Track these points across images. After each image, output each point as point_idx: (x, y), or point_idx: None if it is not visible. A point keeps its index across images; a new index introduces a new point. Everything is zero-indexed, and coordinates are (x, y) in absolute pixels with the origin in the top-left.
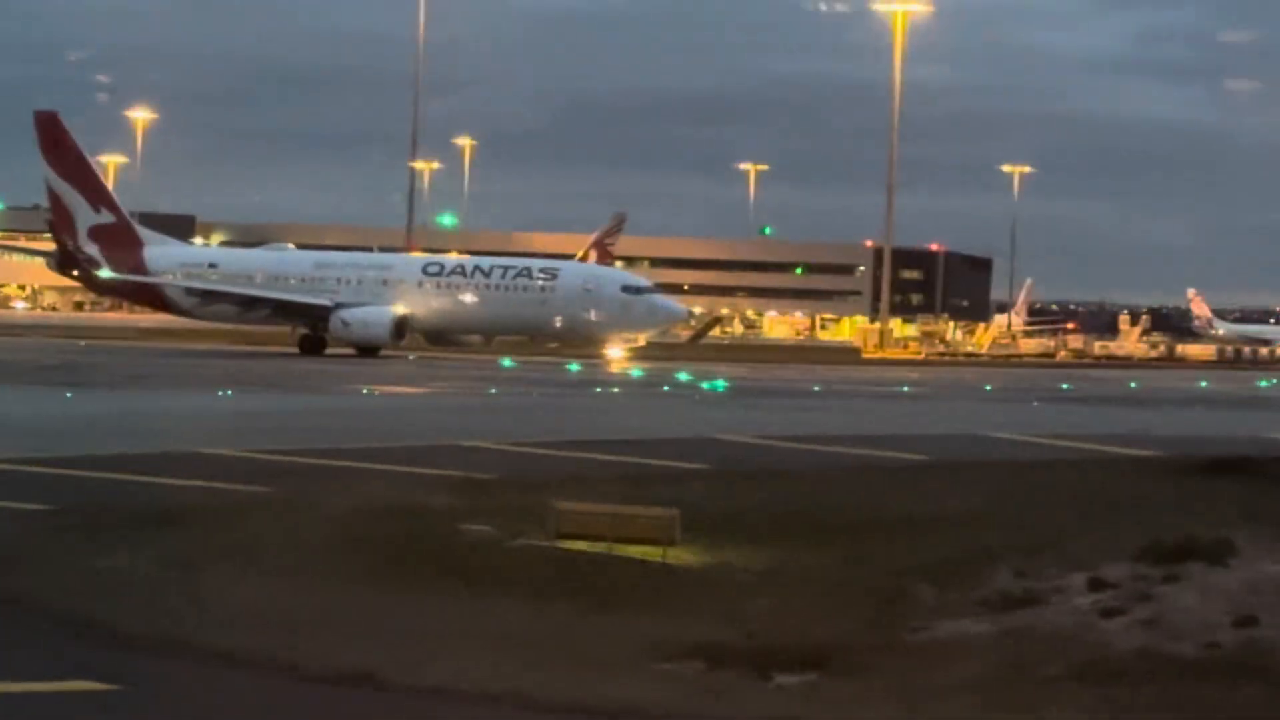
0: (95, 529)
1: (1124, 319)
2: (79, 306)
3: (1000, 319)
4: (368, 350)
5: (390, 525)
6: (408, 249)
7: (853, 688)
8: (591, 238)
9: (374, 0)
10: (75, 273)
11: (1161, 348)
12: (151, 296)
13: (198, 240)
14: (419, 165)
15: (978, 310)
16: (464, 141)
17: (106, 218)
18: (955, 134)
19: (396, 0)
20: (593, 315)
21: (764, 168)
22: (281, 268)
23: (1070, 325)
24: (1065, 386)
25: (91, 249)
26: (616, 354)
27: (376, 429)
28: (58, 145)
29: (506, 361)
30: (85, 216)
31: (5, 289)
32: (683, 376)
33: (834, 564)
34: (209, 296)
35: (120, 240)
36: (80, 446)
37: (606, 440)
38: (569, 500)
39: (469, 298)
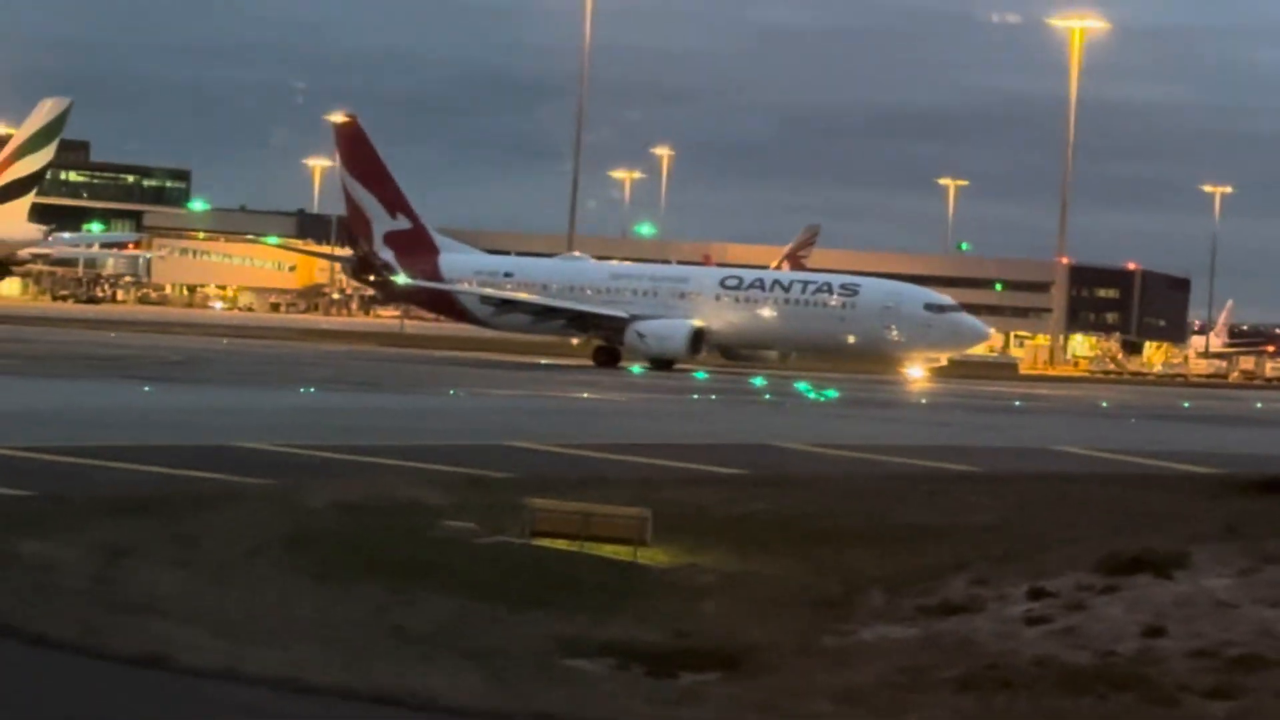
0: (54, 515)
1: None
2: (275, 308)
3: (1198, 340)
4: (662, 364)
5: (368, 520)
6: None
7: (736, 688)
8: (785, 250)
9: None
10: (371, 278)
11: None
12: (446, 304)
13: None
14: (620, 175)
15: (1175, 330)
16: (662, 152)
17: (403, 224)
18: (1164, 151)
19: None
20: (893, 333)
21: (963, 183)
22: (577, 278)
23: (1270, 348)
24: (1185, 405)
25: (387, 255)
26: (918, 373)
27: (439, 428)
28: (356, 150)
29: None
30: (382, 222)
31: (204, 289)
32: (801, 386)
33: (804, 570)
34: (504, 305)
35: (416, 247)
36: (116, 437)
37: (658, 444)
38: (548, 499)
39: (766, 312)
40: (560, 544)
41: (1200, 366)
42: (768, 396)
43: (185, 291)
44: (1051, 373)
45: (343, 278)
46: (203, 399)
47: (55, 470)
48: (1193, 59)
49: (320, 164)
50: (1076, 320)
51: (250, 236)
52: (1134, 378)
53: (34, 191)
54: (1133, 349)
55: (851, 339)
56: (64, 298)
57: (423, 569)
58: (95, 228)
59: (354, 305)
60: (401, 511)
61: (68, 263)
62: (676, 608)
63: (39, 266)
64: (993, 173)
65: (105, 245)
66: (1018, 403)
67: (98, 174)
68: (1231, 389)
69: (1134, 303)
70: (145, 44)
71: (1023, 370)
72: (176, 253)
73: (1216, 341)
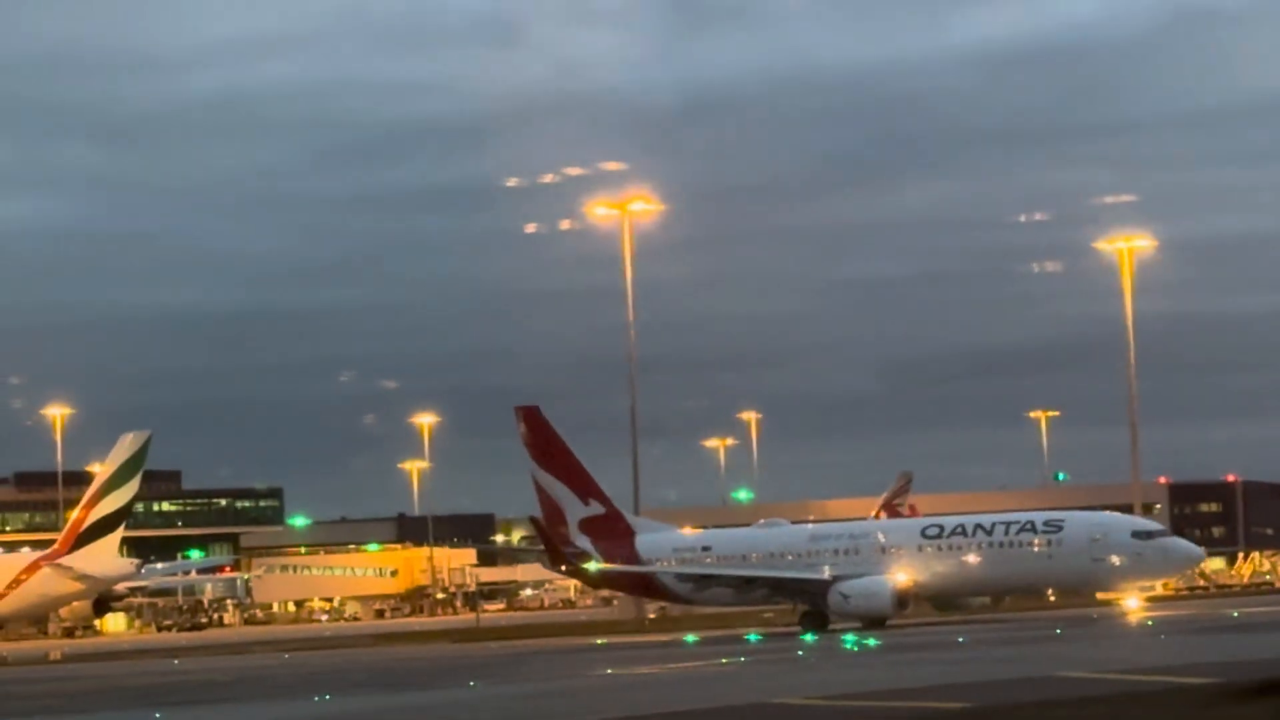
0: None
1: None
2: (379, 614)
3: None
4: (873, 623)
5: None
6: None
7: None
8: (880, 500)
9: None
10: (563, 568)
11: None
12: (644, 585)
13: (499, 537)
14: (713, 443)
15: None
16: (749, 416)
17: (596, 509)
18: (1267, 360)
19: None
20: (1104, 565)
21: (1054, 413)
22: (776, 544)
23: None
24: (1234, 614)
25: (583, 541)
26: (1133, 604)
27: None
28: (541, 439)
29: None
30: (574, 509)
31: (309, 603)
32: (848, 640)
33: None
34: (703, 581)
35: (612, 531)
36: None
37: (653, 715)
38: None
39: (972, 558)
40: None
41: None
42: (800, 653)
43: (292, 607)
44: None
45: (444, 577)
46: None
47: None
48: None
49: (417, 466)
50: (1182, 538)
51: (351, 547)
52: (1219, 591)
53: (122, 526)
54: (1234, 561)
55: (1065, 574)
56: (168, 628)
57: None
58: (194, 554)
59: (459, 603)
60: None
61: (167, 592)
62: None
63: (138, 599)
64: (1084, 399)
65: (201, 571)
66: (1058, 630)
67: (190, 501)
68: None
69: (1238, 514)
70: (227, 369)
71: (1100, 595)
72: (276, 570)
73: None
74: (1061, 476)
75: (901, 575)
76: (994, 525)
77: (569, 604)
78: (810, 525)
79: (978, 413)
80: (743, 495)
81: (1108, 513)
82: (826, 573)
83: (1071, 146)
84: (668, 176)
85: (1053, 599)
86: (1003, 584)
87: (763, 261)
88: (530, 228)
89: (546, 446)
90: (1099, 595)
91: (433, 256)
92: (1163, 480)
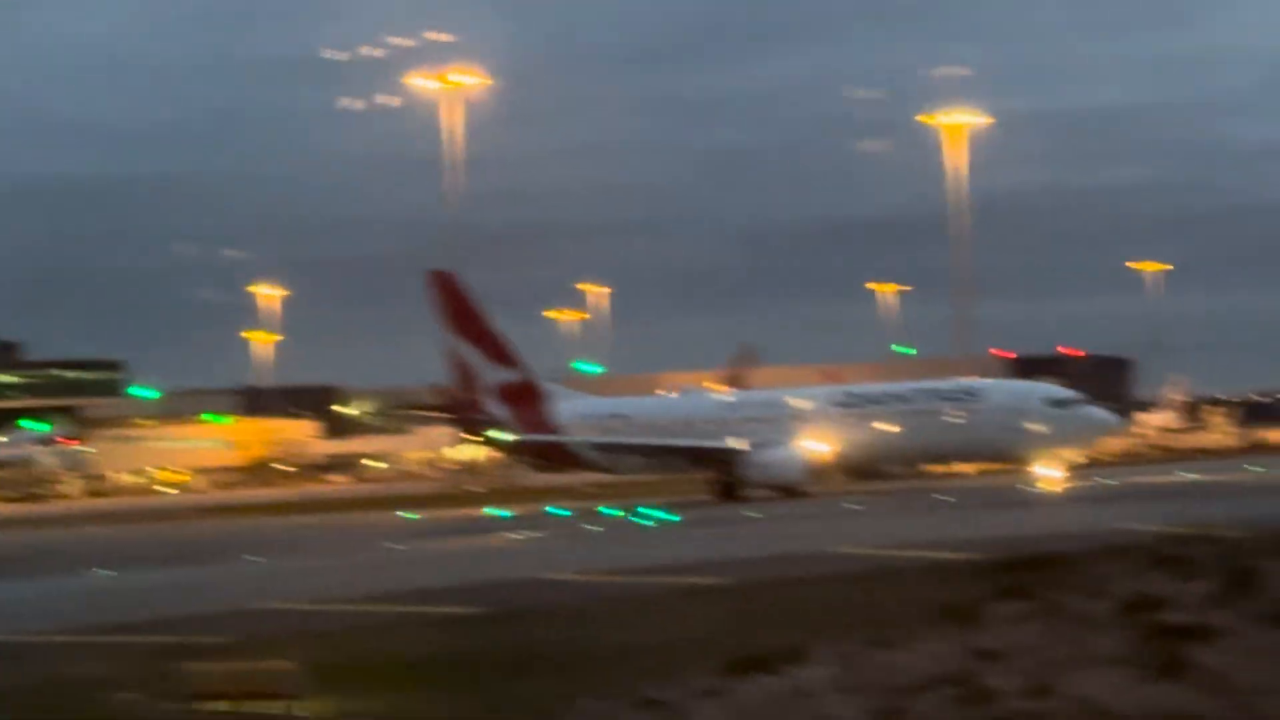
0: None
1: (1207, 411)
2: (221, 486)
3: (1145, 418)
4: (787, 491)
5: (32, 700)
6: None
7: None
8: (722, 374)
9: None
10: (474, 437)
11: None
12: (559, 455)
13: (343, 408)
14: (562, 315)
15: (1121, 412)
16: (594, 288)
17: (510, 375)
18: (1144, 234)
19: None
20: (1019, 433)
21: (894, 288)
22: (692, 412)
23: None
24: (1029, 490)
25: (498, 409)
26: (1051, 473)
27: (192, 599)
28: (455, 304)
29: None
30: (488, 376)
31: (158, 474)
32: (650, 511)
33: (461, 711)
34: (617, 449)
35: (527, 398)
36: None
37: (415, 591)
38: (205, 661)
39: (887, 426)
40: (223, 705)
41: (1117, 445)
42: (591, 528)
43: (133, 478)
44: (963, 467)
45: (287, 450)
46: None
47: None
48: (1162, 138)
49: (262, 338)
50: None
51: (197, 418)
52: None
53: None
54: None
55: (981, 443)
56: (4, 499)
57: None
58: (31, 426)
59: (301, 475)
60: (74, 689)
61: (3, 465)
62: None
63: None
64: (938, 273)
65: (36, 442)
66: (855, 505)
67: (29, 373)
68: (1125, 466)
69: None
70: (69, 239)
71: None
72: (116, 442)
73: (1168, 419)
74: (899, 349)
75: (815, 444)
76: (911, 394)
77: (412, 476)
78: (726, 394)
79: (830, 285)
80: (586, 368)
81: (1025, 381)
82: (740, 442)
83: (938, 17)
84: (521, 39)
85: (969, 469)
86: (919, 453)
87: (620, 129)
88: (347, 101)
89: (460, 312)
90: (1019, 464)
91: (280, 125)
92: (995, 353)
